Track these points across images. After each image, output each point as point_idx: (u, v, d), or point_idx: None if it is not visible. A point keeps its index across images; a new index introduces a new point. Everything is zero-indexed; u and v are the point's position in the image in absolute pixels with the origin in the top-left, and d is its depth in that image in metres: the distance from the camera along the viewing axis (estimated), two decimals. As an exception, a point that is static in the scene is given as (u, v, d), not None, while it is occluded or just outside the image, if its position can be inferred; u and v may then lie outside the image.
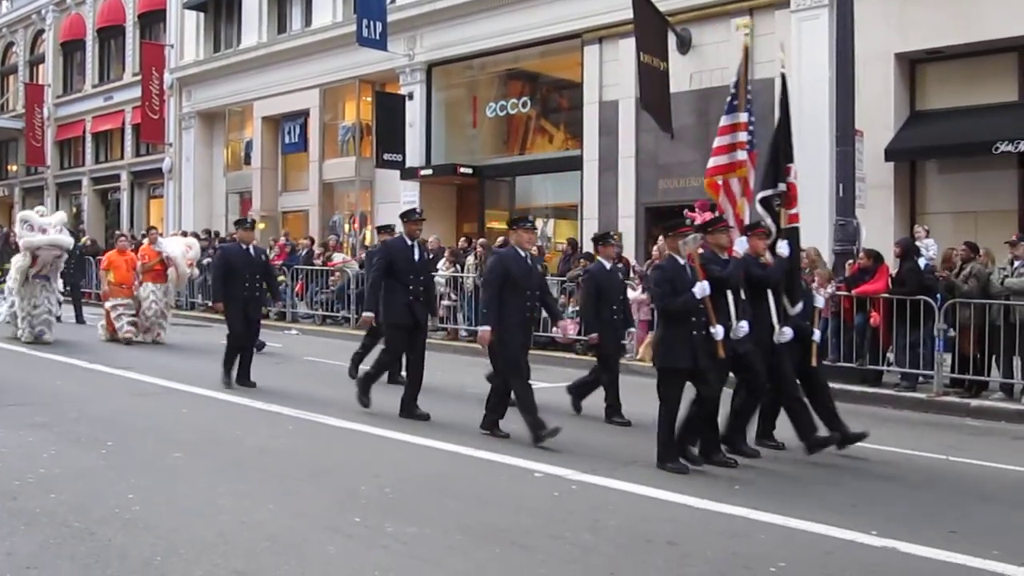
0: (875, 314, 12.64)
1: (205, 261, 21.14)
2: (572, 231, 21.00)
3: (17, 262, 15.67)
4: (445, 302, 18.25)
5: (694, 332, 7.78)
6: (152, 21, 33.84)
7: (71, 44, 38.01)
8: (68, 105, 38.07)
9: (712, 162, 11.17)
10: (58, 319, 17.31)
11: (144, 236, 20.01)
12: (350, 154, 26.33)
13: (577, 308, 16.21)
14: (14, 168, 42.15)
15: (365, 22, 22.46)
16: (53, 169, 38.99)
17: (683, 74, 18.41)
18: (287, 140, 28.41)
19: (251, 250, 12.06)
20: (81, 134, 37.50)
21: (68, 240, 15.85)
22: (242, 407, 10.38)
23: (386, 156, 23.67)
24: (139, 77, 32.30)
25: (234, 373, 11.62)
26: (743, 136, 11.05)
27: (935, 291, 12.20)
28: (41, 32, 39.85)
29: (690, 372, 7.80)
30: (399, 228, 11.33)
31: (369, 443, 8.73)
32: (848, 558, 5.70)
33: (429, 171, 23.43)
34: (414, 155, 23.90)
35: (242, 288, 11.72)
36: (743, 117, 11.17)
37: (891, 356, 12.78)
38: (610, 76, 19.98)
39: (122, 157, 35.58)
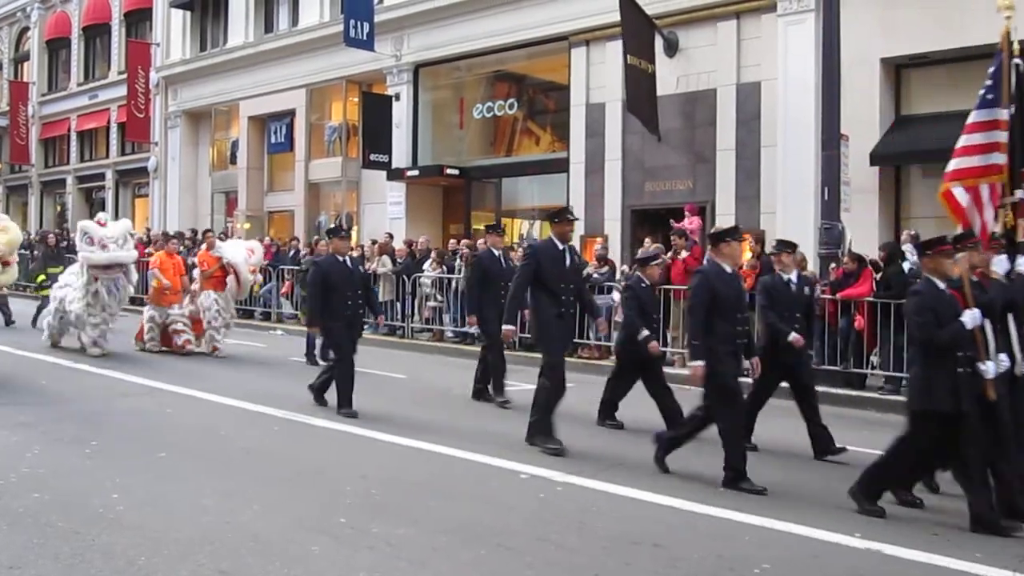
0: (859, 318, 12.69)
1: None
2: (558, 233, 20.95)
3: (76, 277, 14.27)
4: (431, 303, 18.25)
5: (959, 369, 6.70)
6: (138, 19, 33.71)
7: (56, 42, 37.84)
8: (53, 103, 37.88)
9: (956, 164, 9.58)
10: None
11: (201, 240, 19.02)
12: (336, 154, 26.28)
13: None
14: (-2, 166, 41.97)
15: (352, 22, 22.43)
16: (37, 167, 38.81)
17: (670, 77, 18.45)
18: (273, 140, 28.33)
19: (348, 262, 10.68)
20: (66, 132, 37.33)
21: (131, 256, 14.20)
22: (228, 408, 10.35)
23: (372, 157, 23.64)
24: (125, 76, 32.17)
25: (352, 399, 10.18)
26: (1002, 136, 9.34)
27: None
28: (26, 29, 39.67)
29: (950, 416, 6.68)
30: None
31: (356, 444, 8.72)
32: (832, 560, 5.73)
33: (415, 172, 23.41)
34: (400, 156, 23.88)
35: (344, 306, 10.29)
36: (1003, 114, 9.39)
37: (875, 359, 12.83)
38: (597, 78, 20.00)
39: (107, 156, 35.43)
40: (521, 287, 9.02)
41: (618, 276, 15.66)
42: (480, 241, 14.21)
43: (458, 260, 17.81)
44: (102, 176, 35.57)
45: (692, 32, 18.63)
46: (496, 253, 11.74)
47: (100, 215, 15.23)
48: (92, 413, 9.69)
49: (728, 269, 7.87)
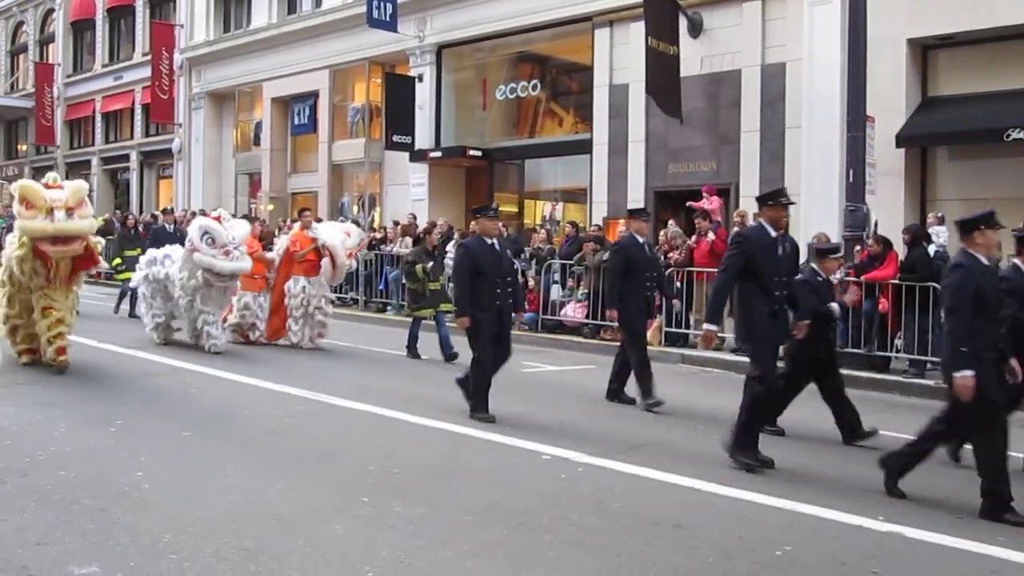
0: (884, 300, 12.62)
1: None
2: (581, 215, 20.99)
3: (181, 275, 12.81)
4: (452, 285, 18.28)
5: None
6: (162, 1, 33.84)
7: (81, 23, 38.01)
8: (78, 85, 38.09)
9: None
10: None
11: (293, 220, 17.78)
12: (359, 136, 26.32)
13: (585, 291, 16.25)
14: (24, 147, 42.25)
15: (375, 3, 22.43)
16: (63, 149, 39.06)
17: (694, 58, 18.36)
18: (296, 121, 28.39)
19: (497, 245, 9.41)
20: (91, 114, 37.54)
21: (247, 266, 13.05)
22: (252, 387, 10.41)
23: (395, 138, 23.66)
24: (149, 57, 32.31)
25: (487, 402, 9.20)
26: None
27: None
28: (51, 11, 39.88)
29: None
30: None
31: (378, 424, 8.76)
32: (854, 542, 5.72)
33: (438, 153, 23.42)
34: (423, 137, 23.88)
35: (493, 295, 9.13)
36: None
37: (899, 343, 12.77)
38: (620, 59, 19.92)
39: (132, 137, 35.61)
40: (729, 282, 7.82)
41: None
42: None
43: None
44: (127, 157, 35.78)
45: (717, 12, 18.53)
46: (640, 240, 10.61)
47: (219, 210, 14.32)
48: (116, 393, 9.78)
49: (985, 261, 6.95)
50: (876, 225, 14.06)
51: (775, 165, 17.54)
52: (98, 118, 37.20)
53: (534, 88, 22.86)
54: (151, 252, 13.95)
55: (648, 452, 7.89)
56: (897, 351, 12.80)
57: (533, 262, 17.34)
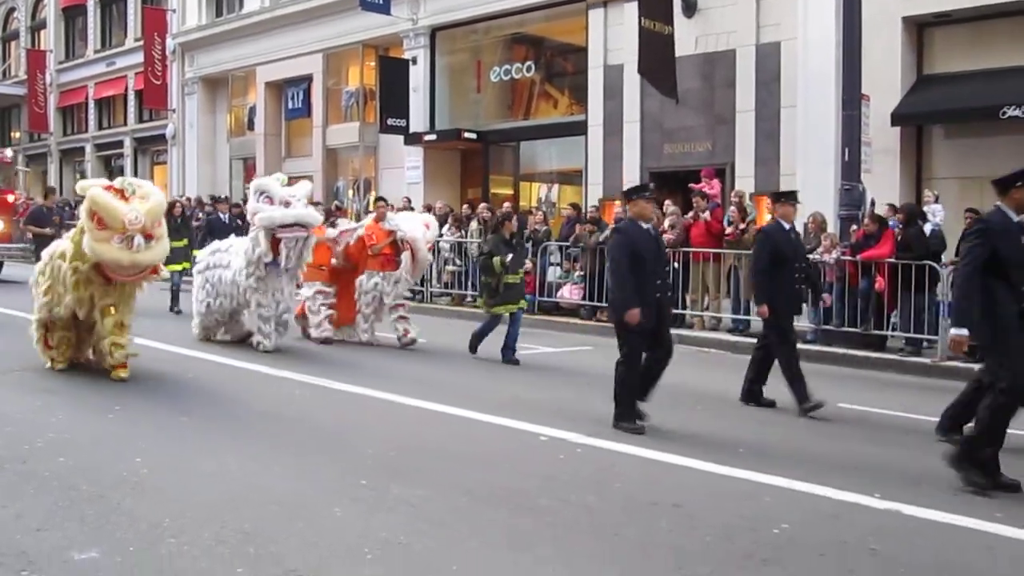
0: (880, 279, 12.64)
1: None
2: (576, 196, 20.96)
3: (244, 249, 11.68)
4: (450, 267, 18.28)
5: None
6: (154, -15, 33.73)
7: (73, 9, 37.85)
8: (70, 71, 37.96)
9: None
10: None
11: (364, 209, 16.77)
12: (354, 119, 26.27)
13: (582, 273, 16.26)
14: (17, 135, 42.12)
15: (368, -14, 22.35)
16: (56, 135, 38.95)
17: (688, 38, 18.32)
18: (290, 105, 28.34)
19: (652, 230, 8.56)
20: (84, 100, 37.43)
21: (317, 217, 11.93)
22: (250, 372, 10.41)
23: (390, 121, 23.62)
24: (141, 42, 32.21)
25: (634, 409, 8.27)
26: None
27: (941, 256, 12.22)
28: (43, -3, 39.72)
29: None
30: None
31: (376, 408, 8.76)
32: (852, 520, 5.73)
33: (433, 136, 23.37)
34: (418, 120, 23.84)
35: (652, 287, 8.19)
36: None
37: (895, 321, 12.79)
38: (615, 40, 19.87)
39: (125, 123, 35.52)
40: (972, 276, 6.71)
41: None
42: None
43: (474, 223, 17.82)
44: (120, 144, 35.69)
45: (711, -8, 18.47)
46: (786, 227, 9.56)
47: (277, 175, 12.61)
48: (112, 380, 9.76)
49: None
50: (873, 204, 14.06)
51: (770, 145, 17.53)
52: (91, 104, 37.08)
53: (528, 70, 22.81)
54: (216, 243, 12.69)
55: (646, 433, 7.90)
56: (893, 329, 12.82)
57: (530, 244, 17.34)
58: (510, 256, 11.62)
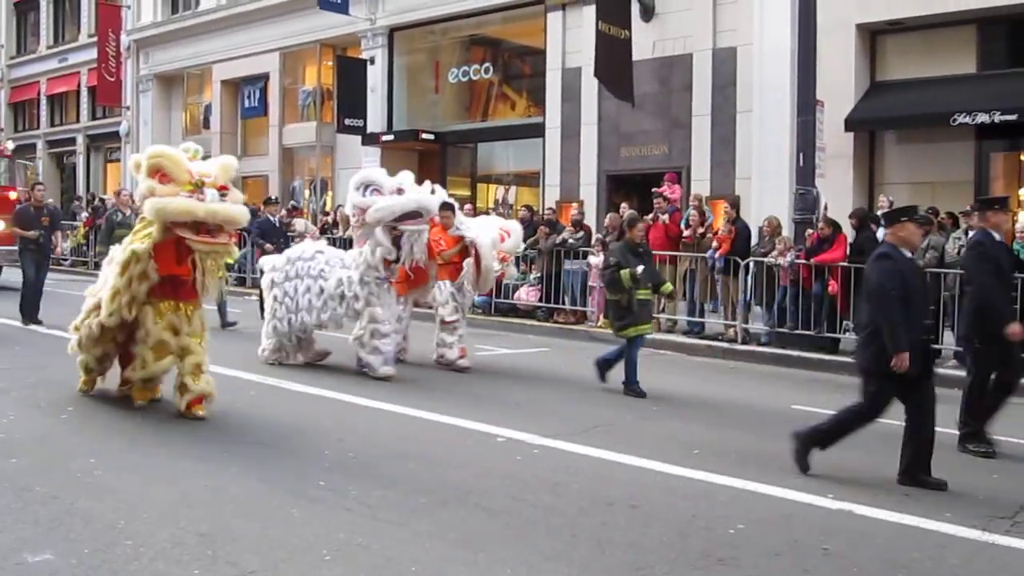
0: (833, 283, 12.79)
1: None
2: (534, 198, 21.01)
3: (354, 255, 10.25)
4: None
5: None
6: (108, -19, 33.31)
7: (24, 4, 37.35)
8: (22, 67, 37.41)
9: None
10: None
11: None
12: (311, 119, 26.15)
13: (538, 275, 16.29)
14: (-34, 130, 41.42)
15: (326, -15, 22.26)
16: (7, 132, 38.28)
17: (646, 42, 18.42)
18: (247, 104, 28.14)
19: (915, 258, 7.62)
20: (35, 96, 36.91)
21: (434, 203, 10.61)
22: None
23: (347, 121, 23.53)
24: (95, 39, 31.81)
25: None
26: None
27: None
28: (-7, -9, 39.10)
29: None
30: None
31: (332, 408, 8.74)
32: (806, 520, 5.82)
33: (391, 137, 23.32)
34: (375, 120, 23.78)
35: (919, 326, 6.91)
36: None
37: (848, 324, 12.95)
38: (573, 43, 19.95)
39: (78, 120, 35.07)
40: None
41: (593, 241, 15.67)
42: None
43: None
44: (73, 141, 35.24)
45: (668, -3, 18.61)
46: (997, 237, 8.24)
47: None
48: (67, 379, 9.63)
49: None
50: (825, 208, 14.23)
51: (726, 149, 17.69)
52: (43, 101, 36.57)
53: (487, 71, 22.84)
54: (291, 252, 11.08)
55: (602, 434, 7.95)
56: (845, 332, 12.98)
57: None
58: (640, 268, 9.66)
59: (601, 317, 14.76)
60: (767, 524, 5.68)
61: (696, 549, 5.18)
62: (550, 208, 18.62)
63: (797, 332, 12.82)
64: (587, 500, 6.01)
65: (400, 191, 9.98)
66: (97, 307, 8.04)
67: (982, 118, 14.64)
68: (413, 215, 9.95)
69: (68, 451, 6.71)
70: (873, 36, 16.69)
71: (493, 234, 11.43)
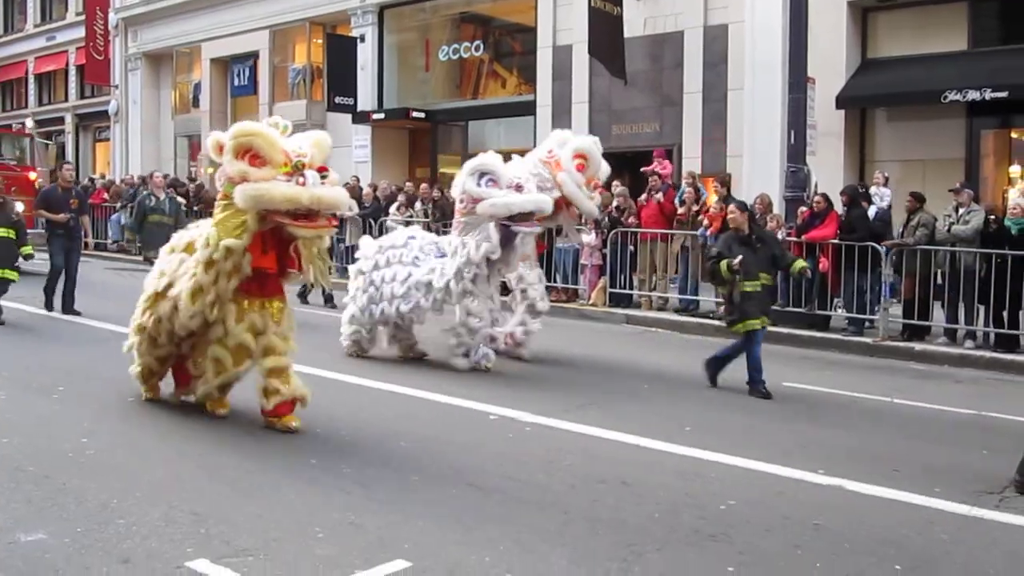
0: (824, 260, 12.80)
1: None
2: (525, 177, 20.95)
3: (453, 245, 9.51)
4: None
5: None
6: (95, -41, 33.04)
7: (11, -18, 37.04)
8: (9, 45, 37.13)
9: None
10: None
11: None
12: (301, 97, 26.02)
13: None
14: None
15: (316, -38, 22.14)
16: (-5, 111, 38.14)
17: (637, 20, 18.37)
18: (236, 83, 28.01)
19: None
20: (23, 75, 36.66)
21: (549, 203, 9.62)
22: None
23: (337, 100, 23.45)
24: (83, 17, 31.56)
25: None
26: None
27: (884, 237, 12.44)
28: (-21, -31, 38.78)
29: None
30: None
31: (325, 387, 8.70)
32: (796, 496, 5.85)
33: (381, 115, 23.24)
34: (366, 99, 23.68)
35: None
36: None
37: (839, 301, 12.98)
38: (564, 20, 19.87)
39: (66, 99, 34.86)
40: None
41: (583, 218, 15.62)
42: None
43: (418, 204, 17.74)
44: (61, 120, 35.03)
45: (659, -26, 18.53)
46: None
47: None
48: (59, 359, 9.64)
49: None
50: (816, 186, 14.23)
51: (718, 126, 17.67)
52: (31, 80, 36.33)
53: (477, 49, 22.74)
54: (383, 238, 10.61)
55: (594, 412, 7.97)
56: (836, 309, 13.02)
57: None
58: (739, 258, 8.87)
59: (592, 295, 14.78)
60: (758, 501, 5.71)
61: (688, 526, 5.20)
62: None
63: (788, 309, 12.84)
64: (579, 478, 6.03)
65: (519, 188, 9.17)
66: (153, 304, 7.23)
67: (973, 95, 14.66)
68: (527, 216, 9.27)
69: (60, 431, 6.71)
70: (864, 13, 16.65)
71: (567, 167, 10.21)
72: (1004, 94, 14.48)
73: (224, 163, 6.75)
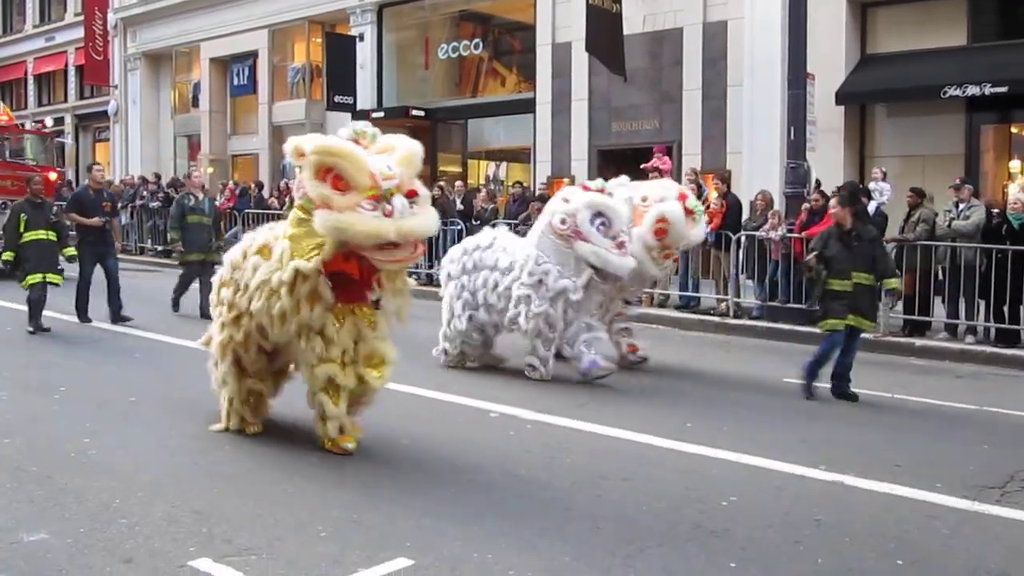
0: (824, 256, 12.78)
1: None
2: (525, 174, 20.98)
3: (540, 268, 8.94)
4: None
5: None
6: (94, -41, 33.03)
7: (10, -17, 37.03)
8: (8, 46, 37.12)
9: None
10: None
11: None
12: (300, 96, 26.02)
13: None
14: (-46, 111, 41.13)
15: (314, -39, 22.14)
16: (-6, 112, 38.10)
17: (636, 16, 18.35)
18: (236, 82, 28.00)
19: None
20: (23, 76, 36.65)
21: (631, 264, 9.07)
22: (194, 351, 10.29)
23: (337, 98, 23.42)
24: (81, 17, 31.55)
25: None
26: None
27: (884, 233, 12.42)
28: (-22, -29, 38.78)
29: None
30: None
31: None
32: (797, 492, 5.85)
33: (380, 114, 23.20)
34: (365, 97, 23.67)
35: None
36: None
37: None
38: (563, 18, 19.85)
39: (66, 100, 34.85)
40: None
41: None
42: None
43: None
44: (61, 121, 34.97)
45: (658, -30, 18.52)
46: None
47: (601, 182, 9.46)
48: (59, 359, 9.65)
49: None
50: (816, 183, 14.23)
51: (717, 123, 17.66)
52: (30, 80, 36.33)
53: (476, 47, 22.73)
54: (467, 240, 10.07)
55: (594, 409, 7.97)
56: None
57: (478, 223, 17.30)
58: (811, 255, 8.73)
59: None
60: (759, 496, 5.72)
61: (689, 522, 5.21)
62: (541, 184, 18.59)
63: (788, 306, 12.84)
64: (580, 475, 6.04)
65: (621, 245, 8.76)
66: (236, 322, 6.59)
67: (972, 90, 14.65)
68: (614, 278, 9.03)
69: (61, 431, 6.72)
70: (864, 8, 16.64)
71: (645, 229, 9.63)
72: (1004, 89, 14.46)
73: (304, 179, 6.06)
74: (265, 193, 22.11)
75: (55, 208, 12.11)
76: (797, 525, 5.22)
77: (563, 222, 8.86)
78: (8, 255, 11.28)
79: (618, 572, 4.49)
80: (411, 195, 5.95)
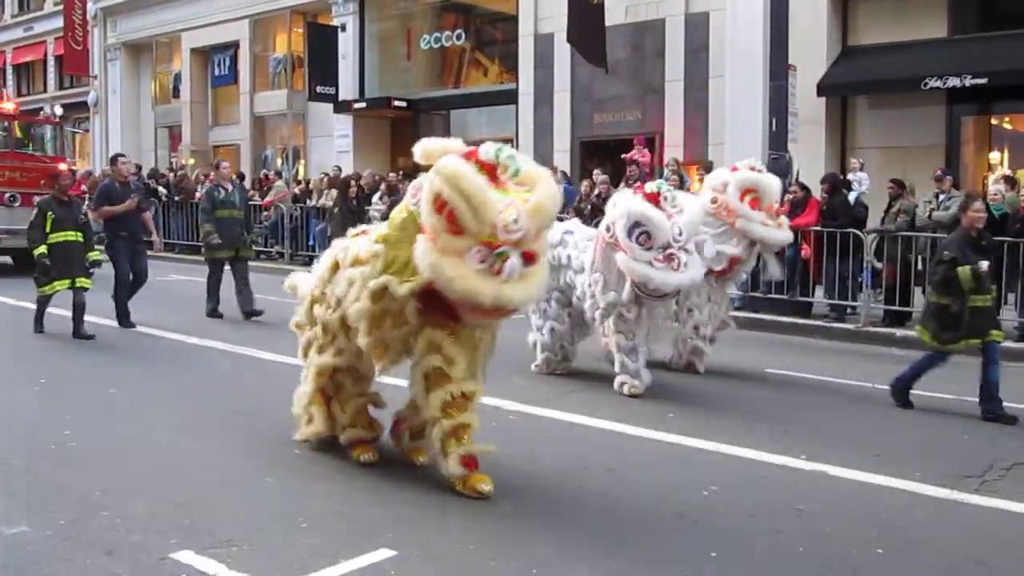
0: (806, 246, 12.85)
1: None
2: (508, 165, 20.93)
3: (591, 277, 8.28)
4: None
5: None
6: (73, -52, 32.77)
7: (-12, -28, 36.72)
8: (-14, 36, 36.87)
9: None
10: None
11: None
12: (282, 87, 25.95)
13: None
14: (-69, 101, 40.80)
15: (295, -49, 22.05)
16: (-28, 102, 37.81)
17: (618, 8, 18.35)
18: (217, 72, 27.88)
19: None
20: (1, 66, 36.37)
21: (699, 277, 8.30)
22: (178, 343, 10.28)
23: (319, 89, 23.36)
24: (61, 7, 31.32)
25: None
26: None
27: (865, 223, 12.48)
28: (-45, -41, 38.42)
29: None
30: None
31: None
32: (779, 481, 5.88)
33: (363, 104, 23.18)
34: (347, 88, 23.60)
35: None
36: None
37: (820, 288, 13.03)
38: (545, 8, 19.83)
39: (45, 90, 34.64)
40: None
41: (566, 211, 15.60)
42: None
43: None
44: (40, 111, 34.73)
45: (640, -39, 18.51)
46: None
47: (659, 185, 8.24)
48: (40, 351, 9.60)
49: None
50: (797, 174, 14.28)
51: (699, 114, 17.69)
52: (9, 70, 36.07)
53: (459, 38, 22.69)
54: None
55: (577, 399, 7.98)
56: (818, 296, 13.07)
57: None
58: (985, 264, 7.63)
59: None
60: (741, 486, 5.74)
61: (671, 512, 5.23)
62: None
63: (770, 296, 12.89)
64: (563, 465, 6.05)
65: (669, 258, 7.74)
66: (333, 341, 6.11)
67: (953, 82, 14.71)
68: (661, 294, 8.08)
69: (42, 423, 6.69)
70: (845, 1, 16.68)
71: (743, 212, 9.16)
72: (984, 81, 14.54)
73: (422, 196, 5.33)
74: (247, 184, 21.96)
75: (84, 208, 11.39)
76: (779, 515, 5.25)
77: (607, 229, 8.05)
78: (42, 249, 10.20)
79: (600, 562, 4.50)
80: (528, 258, 5.15)
